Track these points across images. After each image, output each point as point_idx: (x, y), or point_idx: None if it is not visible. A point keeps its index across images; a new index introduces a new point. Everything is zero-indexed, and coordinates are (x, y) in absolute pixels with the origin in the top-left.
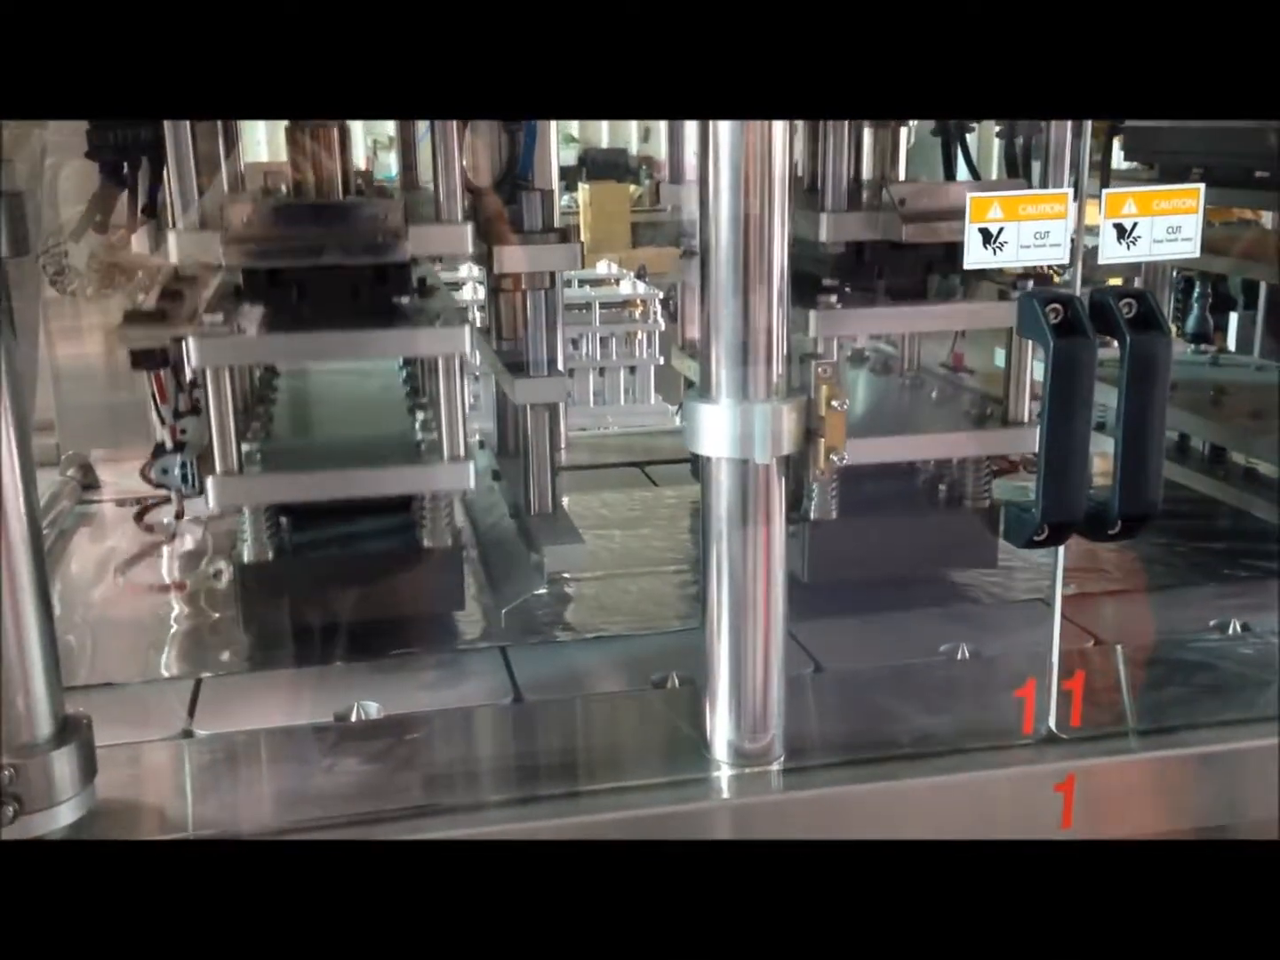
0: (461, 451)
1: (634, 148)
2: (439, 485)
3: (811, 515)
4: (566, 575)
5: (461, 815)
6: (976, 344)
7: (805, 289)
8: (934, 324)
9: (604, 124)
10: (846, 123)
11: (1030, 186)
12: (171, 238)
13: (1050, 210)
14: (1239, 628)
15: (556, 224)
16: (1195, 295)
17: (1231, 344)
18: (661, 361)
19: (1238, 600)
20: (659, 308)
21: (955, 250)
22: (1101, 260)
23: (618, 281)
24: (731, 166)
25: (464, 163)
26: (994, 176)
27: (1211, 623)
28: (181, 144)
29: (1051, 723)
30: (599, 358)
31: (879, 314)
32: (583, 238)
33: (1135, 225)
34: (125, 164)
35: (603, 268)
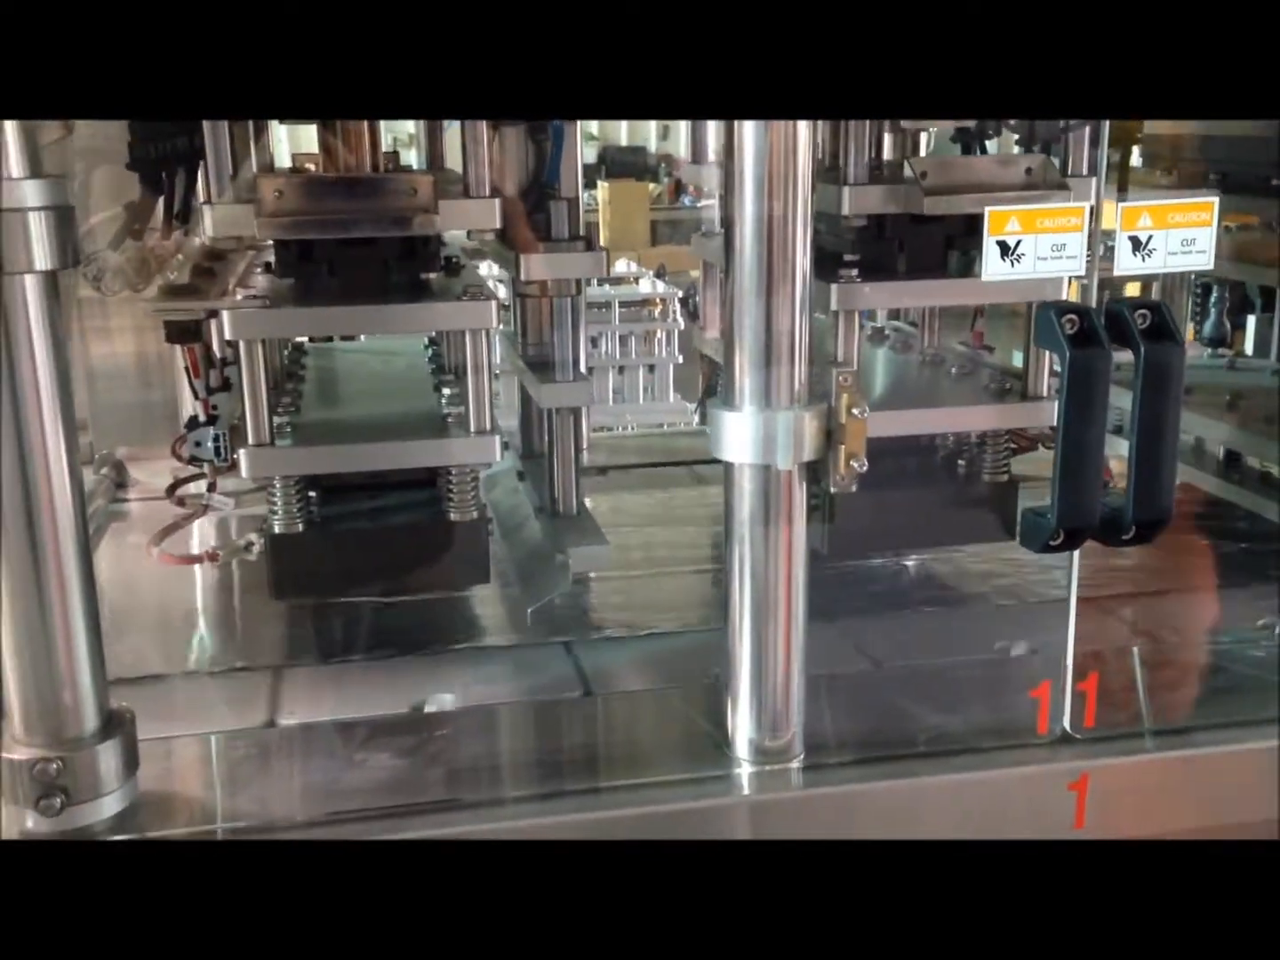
0: (488, 425)
1: (653, 145)
2: (466, 459)
3: (832, 489)
4: (592, 575)
5: (486, 810)
6: (995, 327)
7: (826, 265)
8: (953, 298)
9: (623, 122)
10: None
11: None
12: (207, 213)
13: (1068, 223)
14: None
15: (582, 231)
16: (1213, 299)
17: (1249, 348)
18: (680, 360)
19: (1260, 604)
20: (678, 306)
21: (976, 224)
22: (1117, 272)
23: (637, 280)
24: (755, 173)
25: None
26: None
27: (1237, 624)
28: (219, 137)
29: (1066, 723)
30: (618, 356)
31: (899, 288)
32: (602, 236)
33: (1150, 238)
34: (163, 174)
35: (621, 266)
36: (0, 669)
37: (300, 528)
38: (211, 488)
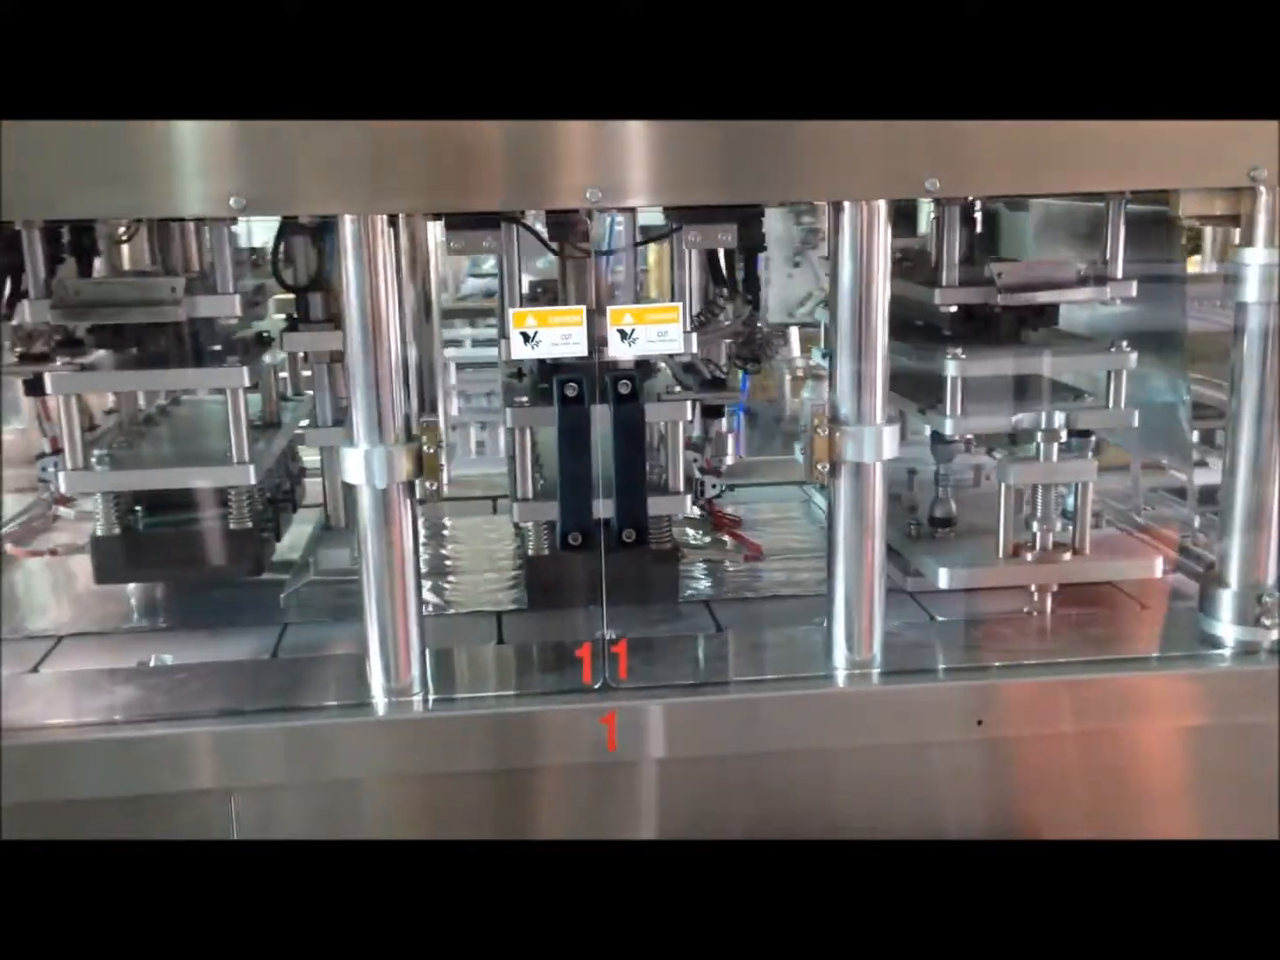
0: (246, 457)
1: None
2: (223, 481)
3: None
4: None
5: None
6: None
7: None
8: None
9: None
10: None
11: None
12: (25, 305)
13: (571, 320)
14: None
15: None
16: None
17: None
18: None
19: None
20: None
21: None
22: (610, 355)
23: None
24: (355, 269)
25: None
26: None
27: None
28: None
29: (606, 675)
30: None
31: None
32: None
33: (634, 330)
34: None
35: None
36: None
37: (116, 532)
38: (59, 501)
